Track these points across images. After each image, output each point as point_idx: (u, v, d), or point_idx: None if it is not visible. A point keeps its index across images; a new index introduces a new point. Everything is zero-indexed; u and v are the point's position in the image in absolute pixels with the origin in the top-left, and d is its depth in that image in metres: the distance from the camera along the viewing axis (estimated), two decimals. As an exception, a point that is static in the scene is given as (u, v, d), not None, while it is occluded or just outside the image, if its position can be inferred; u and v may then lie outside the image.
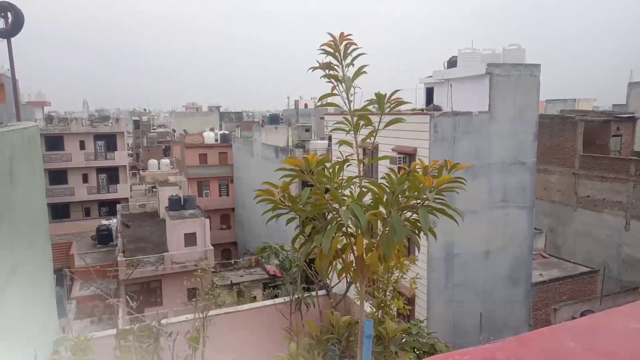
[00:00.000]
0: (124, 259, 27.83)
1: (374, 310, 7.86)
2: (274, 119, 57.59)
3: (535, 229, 22.52)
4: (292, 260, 11.20)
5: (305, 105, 77.15)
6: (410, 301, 18.36)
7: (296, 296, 9.82)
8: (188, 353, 8.01)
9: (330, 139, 27.77)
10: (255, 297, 24.80)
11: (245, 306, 10.21)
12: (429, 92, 24.39)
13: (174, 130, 69.88)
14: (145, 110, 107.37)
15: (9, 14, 9.19)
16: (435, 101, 23.21)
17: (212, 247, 30.77)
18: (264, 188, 3.30)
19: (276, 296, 12.06)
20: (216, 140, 51.77)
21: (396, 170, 3.36)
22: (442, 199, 2.92)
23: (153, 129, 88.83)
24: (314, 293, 10.67)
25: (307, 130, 52.51)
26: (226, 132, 56.17)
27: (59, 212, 42.03)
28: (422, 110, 22.17)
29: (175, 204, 32.41)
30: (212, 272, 27.56)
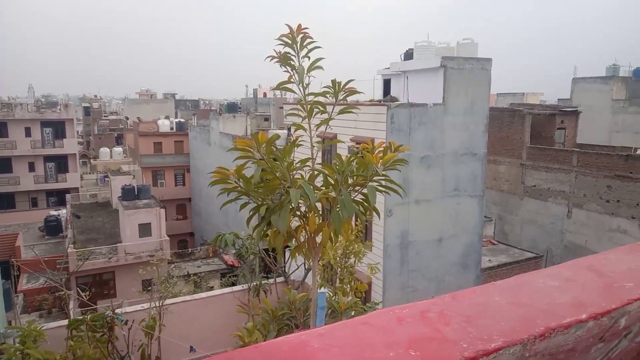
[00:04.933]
0: (75, 250, 26.85)
1: (332, 294, 8.05)
2: (232, 108, 56.69)
3: (485, 217, 23.50)
4: (249, 248, 11.22)
5: (265, 95, 76.28)
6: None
7: (254, 283, 9.89)
8: (144, 342, 7.94)
9: (289, 128, 27.72)
10: (212, 287, 24.56)
11: (203, 294, 10.18)
12: (387, 84, 24.77)
13: (127, 118, 67.51)
14: (96, 96, 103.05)
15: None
16: (393, 92, 23.63)
17: (167, 238, 30.18)
18: (218, 172, 3.33)
19: (233, 284, 12.05)
20: (171, 128, 50.45)
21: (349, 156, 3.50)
22: (388, 177, 3.09)
23: (104, 117, 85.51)
24: (272, 280, 10.76)
25: (266, 119, 52.04)
26: (182, 120, 54.79)
27: (3, 202, 39.97)
28: (380, 101, 22.53)
29: (129, 194, 31.46)
30: (168, 262, 27.08)
